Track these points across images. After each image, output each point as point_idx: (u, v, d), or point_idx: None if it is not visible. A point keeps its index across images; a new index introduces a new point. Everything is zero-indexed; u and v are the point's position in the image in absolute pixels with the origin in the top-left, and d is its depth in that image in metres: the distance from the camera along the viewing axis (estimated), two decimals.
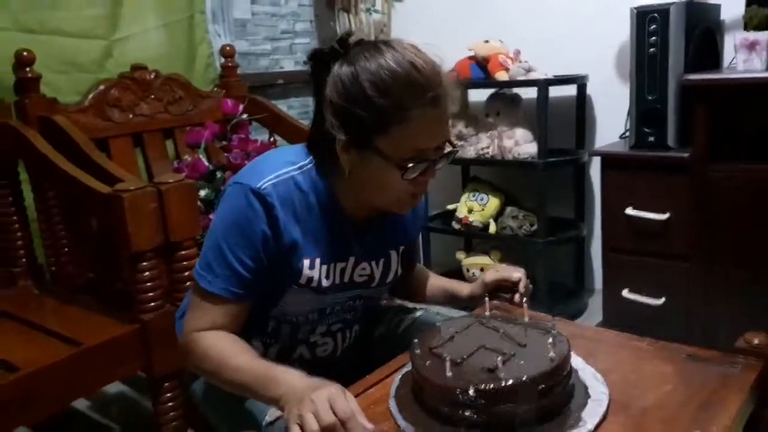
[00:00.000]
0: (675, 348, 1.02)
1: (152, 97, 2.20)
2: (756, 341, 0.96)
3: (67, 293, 1.78)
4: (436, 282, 1.27)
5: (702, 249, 1.75)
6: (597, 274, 2.48)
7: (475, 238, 2.59)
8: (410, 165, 0.91)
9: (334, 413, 0.78)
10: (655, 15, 1.74)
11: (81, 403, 1.86)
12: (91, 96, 2.04)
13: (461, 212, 2.43)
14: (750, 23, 1.71)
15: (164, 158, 2.25)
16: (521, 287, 1.13)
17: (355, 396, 0.91)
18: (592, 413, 0.83)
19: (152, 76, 2.21)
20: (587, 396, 0.87)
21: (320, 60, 0.96)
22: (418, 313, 1.22)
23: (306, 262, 1.00)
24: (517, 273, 1.14)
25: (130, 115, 2.15)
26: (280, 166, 0.99)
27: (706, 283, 1.76)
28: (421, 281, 1.28)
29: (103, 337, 1.46)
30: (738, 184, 1.67)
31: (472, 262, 2.40)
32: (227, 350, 0.95)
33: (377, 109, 0.89)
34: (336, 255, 1.03)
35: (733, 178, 1.68)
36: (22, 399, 1.30)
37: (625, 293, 1.90)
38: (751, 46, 1.68)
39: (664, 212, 1.78)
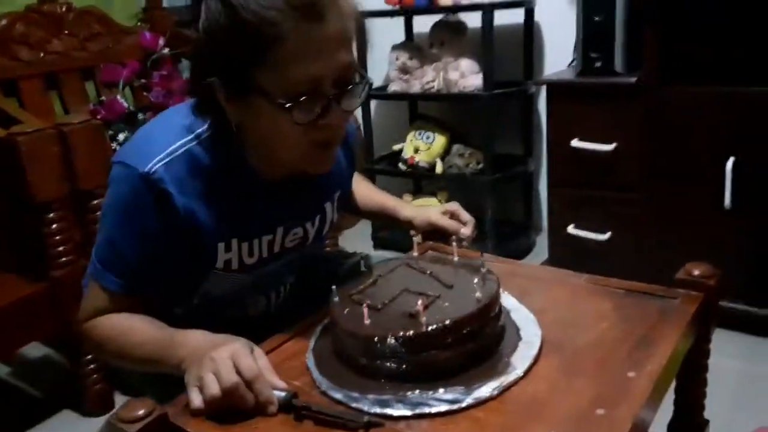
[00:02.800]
0: (614, 283, 0.96)
1: (66, 32, 2.02)
2: (696, 272, 0.91)
3: None
4: (373, 195, 1.16)
5: (648, 180, 1.70)
6: (545, 211, 2.43)
7: (422, 179, 2.51)
8: (300, 101, 0.73)
9: (239, 372, 0.69)
10: None
11: (1, 370, 1.74)
12: None
13: (407, 152, 2.33)
14: None
15: (84, 102, 2.07)
16: (465, 242, 1.04)
17: (270, 351, 0.83)
18: (522, 357, 0.77)
19: (64, 9, 2.01)
20: (519, 338, 0.81)
21: None
22: (358, 257, 1.11)
23: (221, 246, 0.85)
24: (465, 230, 1.05)
25: (41, 54, 1.96)
26: (172, 139, 0.81)
27: (654, 214, 1.72)
28: (356, 192, 1.15)
29: (11, 297, 1.35)
30: (689, 109, 1.60)
31: (420, 203, 2.32)
32: (125, 327, 0.84)
33: (242, 32, 0.71)
34: (259, 230, 0.88)
35: (683, 102, 1.61)
36: None
37: (570, 229, 1.85)
38: None
39: (611, 142, 1.72)
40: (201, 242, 0.84)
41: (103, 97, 1.85)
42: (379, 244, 2.45)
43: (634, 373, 0.72)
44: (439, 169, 2.26)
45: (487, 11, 1.98)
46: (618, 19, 1.65)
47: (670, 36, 1.62)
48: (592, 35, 1.68)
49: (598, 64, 1.68)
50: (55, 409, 1.55)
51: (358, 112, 2.51)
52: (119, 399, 1.57)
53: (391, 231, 2.32)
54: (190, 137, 0.82)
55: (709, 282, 0.89)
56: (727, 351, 1.56)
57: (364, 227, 2.40)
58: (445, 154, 2.28)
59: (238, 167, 0.85)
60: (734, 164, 1.53)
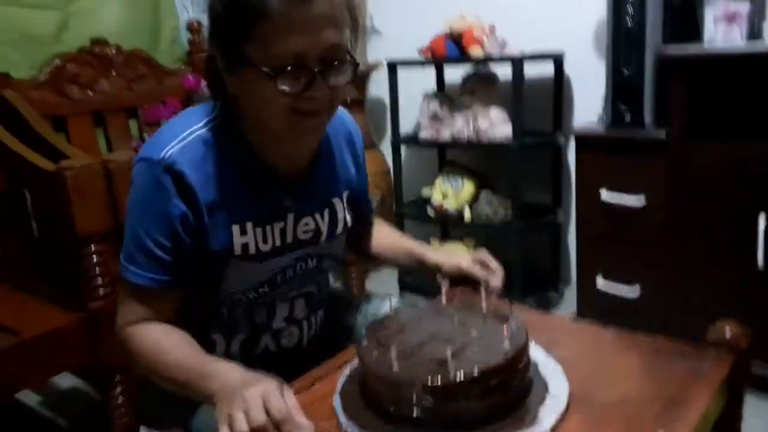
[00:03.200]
0: (642, 340, 0.96)
1: (114, 73, 2.12)
2: (729, 333, 0.90)
3: (12, 279, 1.69)
4: (400, 242, 1.19)
5: (677, 236, 1.70)
6: (574, 263, 2.43)
7: (450, 226, 2.53)
8: (283, 71, 0.80)
9: (268, 413, 0.71)
10: None
11: (32, 399, 1.78)
12: (46, 71, 1.96)
13: (436, 198, 2.36)
14: None
15: (128, 139, 2.16)
16: (494, 290, 1.06)
17: (299, 391, 0.85)
18: (550, 410, 0.77)
19: (114, 51, 2.12)
20: (546, 391, 0.81)
21: None
22: (393, 302, 1.13)
23: (235, 229, 0.90)
24: (494, 280, 1.07)
25: (90, 92, 2.06)
26: (183, 129, 0.89)
27: (682, 270, 1.71)
28: (383, 240, 1.20)
29: (47, 327, 1.40)
30: (717, 166, 1.61)
31: (448, 248, 2.34)
32: (161, 345, 0.88)
33: (234, 9, 0.81)
34: (270, 215, 0.93)
35: (712, 158, 1.62)
36: None
37: (599, 281, 1.84)
38: (731, 18, 1.62)
39: (639, 195, 1.72)
40: (217, 225, 0.89)
41: (146, 135, 1.92)
42: (405, 287, 2.46)
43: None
44: (467, 215, 2.29)
45: (517, 63, 2.04)
46: (647, 73, 1.69)
47: (698, 92, 1.64)
48: (622, 88, 1.72)
49: (627, 117, 1.71)
50: None
51: (389, 158, 2.57)
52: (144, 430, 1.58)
53: (417, 275, 2.34)
54: (199, 125, 0.90)
55: (741, 343, 0.88)
56: (758, 414, 1.52)
57: (390, 270, 2.42)
58: (473, 201, 2.30)
59: (245, 151, 0.91)
60: (767, 220, 1.52)
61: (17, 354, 1.32)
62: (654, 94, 1.70)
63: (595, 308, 1.88)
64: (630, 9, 1.65)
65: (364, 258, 1.23)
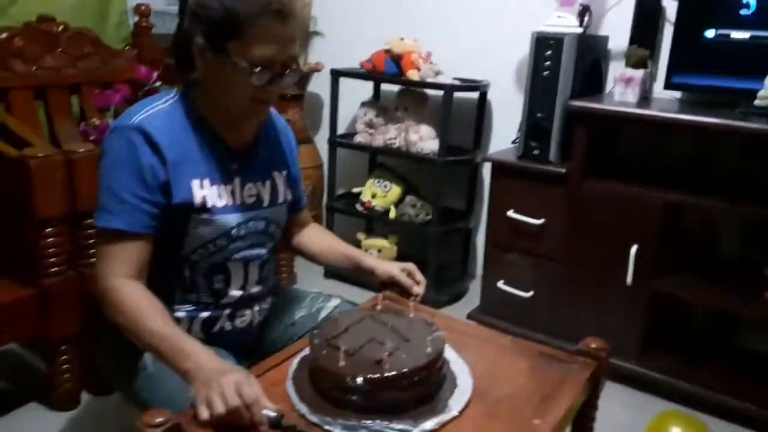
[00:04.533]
0: (531, 346, 1.21)
1: (59, 50, 2.13)
2: (593, 345, 1.17)
3: None
4: (339, 247, 1.40)
5: (568, 253, 2.00)
6: (479, 261, 2.72)
7: (375, 222, 2.75)
8: (257, 70, 1.03)
9: (240, 397, 0.88)
10: (552, 42, 1.93)
11: None
12: None
13: (365, 196, 2.57)
14: (629, 60, 1.95)
15: (68, 116, 2.18)
16: (417, 298, 1.29)
17: (257, 376, 1.03)
18: (458, 400, 0.99)
19: (60, 29, 2.13)
20: (455, 385, 1.04)
21: None
22: (336, 302, 1.35)
23: (195, 182, 1.09)
24: (418, 288, 1.30)
25: (34, 68, 2.07)
26: (147, 105, 1.10)
27: (568, 282, 2.02)
28: (323, 243, 1.41)
29: (2, 300, 1.47)
30: (605, 202, 1.91)
31: (371, 243, 2.56)
32: (142, 310, 1.02)
33: (230, 11, 1.01)
34: (221, 177, 1.14)
35: (601, 195, 1.92)
36: None
37: (500, 284, 2.13)
38: (628, 81, 1.92)
39: (540, 218, 2.02)
40: (180, 177, 1.08)
41: (95, 120, 1.97)
42: (329, 274, 2.66)
43: (539, 420, 0.96)
44: (392, 215, 2.52)
45: (448, 91, 2.27)
46: (556, 118, 1.96)
47: (596, 139, 1.94)
48: (534, 128, 1.99)
49: (536, 152, 1.99)
50: (23, 402, 1.66)
51: (324, 155, 2.75)
52: (85, 396, 1.69)
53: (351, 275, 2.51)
54: (160, 102, 1.12)
55: (601, 354, 1.15)
56: (617, 402, 1.86)
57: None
58: (398, 203, 2.53)
59: (199, 123, 1.12)
60: (637, 250, 1.85)
61: None
62: (560, 136, 1.98)
63: (496, 304, 2.17)
64: (547, 62, 1.92)
65: (293, 248, 1.44)
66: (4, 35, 1.98)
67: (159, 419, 0.86)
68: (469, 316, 2.24)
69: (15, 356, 1.88)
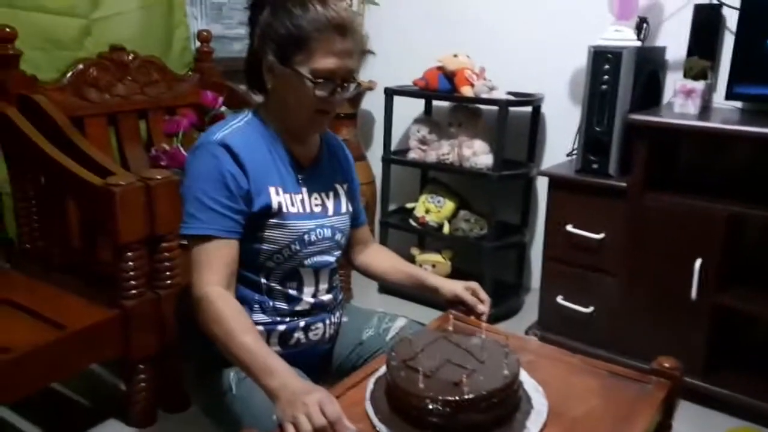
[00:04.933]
0: (601, 365, 1.21)
1: (129, 78, 2.25)
2: (666, 365, 1.17)
3: (39, 271, 1.84)
4: (402, 267, 1.45)
5: (629, 268, 1.98)
6: (534, 274, 2.71)
7: (429, 237, 2.77)
8: (319, 81, 1.13)
9: (324, 416, 0.92)
10: (610, 56, 1.93)
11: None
12: (69, 75, 2.07)
13: (419, 212, 2.60)
14: (689, 72, 1.93)
15: (137, 139, 2.30)
16: (483, 316, 1.32)
17: (336, 397, 1.06)
18: (534, 422, 1.01)
19: (130, 58, 2.24)
20: (530, 406, 1.05)
21: (257, 3, 1.20)
22: (402, 323, 1.39)
23: (272, 190, 1.19)
24: (482, 307, 1.33)
25: (107, 96, 2.19)
26: (226, 124, 1.20)
27: (629, 297, 2.00)
28: (386, 263, 1.47)
29: (87, 322, 1.56)
30: (667, 215, 1.89)
31: (426, 258, 2.59)
32: (235, 323, 1.07)
33: (296, 27, 1.12)
34: (292, 187, 1.23)
35: (663, 209, 1.90)
36: (8, 379, 1.39)
37: (559, 299, 2.13)
38: (688, 93, 1.90)
39: (599, 232, 2.01)
40: (259, 186, 1.17)
41: (164, 145, 2.07)
42: (383, 289, 2.71)
43: None
44: (446, 230, 2.54)
45: (503, 107, 2.29)
46: (615, 131, 1.95)
47: (656, 152, 1.93)
48: (593, 142, 1.99)
49: (595, 166, 1.99)
50: (102, 418, 1.74)
51: (377, 171, 2.80)
52: (160, 413, 1.77)
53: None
54: (237, 121, 1.22)
55: (675, 373, 1.15)
56: (682, 419, 1.83)
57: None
58: (451, 218, 2.56)
59: (271, 138, 1.22)
60: (702, 264, 1.83)
61: (63, 346, 1.49)
62: (619, 149, 1.98)
63: (554, 320, 2.16)
64: (606, 76, 1.92)
65: (357, 267, 1.49)
66: (80, 66, 2.10)
67: None
68: (528, 332, 2.25)
69: (93, 375, 1.97)
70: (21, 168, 1.87)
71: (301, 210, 1.23)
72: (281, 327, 1.25)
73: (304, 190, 1.25)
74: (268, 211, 1.18)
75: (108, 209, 1.53)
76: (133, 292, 1.62)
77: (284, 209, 1.20)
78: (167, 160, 1.96)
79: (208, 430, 1.49)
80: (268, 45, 1.15)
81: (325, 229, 1.27)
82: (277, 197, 1.20)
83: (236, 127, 1.19)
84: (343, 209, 1.33)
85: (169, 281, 1.67)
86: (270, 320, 1.24)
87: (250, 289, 1.22)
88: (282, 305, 1.25)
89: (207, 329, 1.10)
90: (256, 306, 1.23)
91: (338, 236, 1.31)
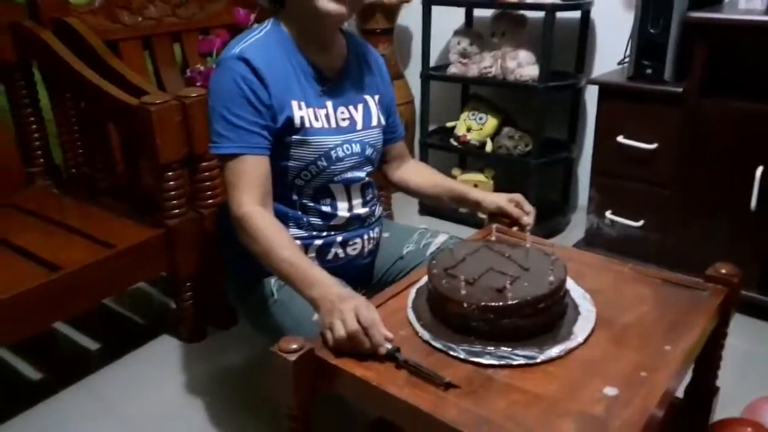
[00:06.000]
0: (653, 273, 1.17)
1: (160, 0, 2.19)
2: (723, 270, 1.11)
3: (86, 194, 1.88)
4: (441, 181, 1.42)
5: (683, 179, 1.88)
6: (582, 192, 2.63)
7: (470, 156, 2.70)
8: None
9: (359, 322, 0.91)
10: None
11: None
12: None
13: (460, 130, 2.52)
14: None
15: (172, 63, 2.27)
16: (527, 227, 1.27)
17: (378, 306, 1.06)
18: (581, 328, 0.99)
19: None
20: (577, 313, 1.03)
21: None
22: (444, 238, 1.36)
23: (294, 104, 1.15)
24: (527, 218, 1.29)
25: (139, 18, 2.15)
26: (245, 37, 1.16)
27: (683, 209, 1.91)
28: (424, 177, 1.43)
29: (134, 240, 1.59)
30: (726, 121, 1.77)
31: (467, 178, 2.52)
32: (276, 239, 1.07)
33: None
34: (315, 101, 1.19)
35: (722, 114, 1.77)
36: (62, 296, 1.44)
37: (608, 214, 2.05)
38: None
39: (652, 142, 1.90)
40: (282, 99, 1.13)
41: (199, 66, 2.04)
42: (424, 210, 2.67)
43: (670, 347, 0.94)
44: (488, 148, 2.45)
45: (549, 11, 2.13)
46: (672, 33, 1.81)
47: (716, 54, 1.78)
48: (647, 45, 1.84)
49: (648, 71, 1.86)
50: (155, 335, 1.81)
51: (416, 90, 2.70)
52: (211, 330, 1.83)
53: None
54: (256, 32, 1.17)
55: (734, 279, 1.10)
56: (736, 331, 1.78)
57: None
58: (494, 135, 2.46)
59: (292, 48, 1.18)
60: (763, 172, 1.72)
61: (111, 263, 1.53)
62: (675, 52, 1.83)
63: (601, 236, 2.10)
64: None
65: (394, 183, 1.45)
66: None
67: (294, 345, 0.91)
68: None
69: (144, 294, 2.05)
70: (60, 93, 1.88)
71: (326, 125, 1.19)
72: (318, 242, 1.24)
73: (329, 103, 1.21)
74: (290, 127, 1.15)
75: (146, 129, 1.52)
76: (176, 211, 1.63)
77: (307, 124, 1.16)
78: (202, 80, 1.93)
79: (255, 342, 1.53)
80: None
81: (354, 144, 1.23)
82: (300, 112, 1.16)
83: (255, 39, 1.15)
84: (374, 122, 1.28)
85: (210, 200, 1.67)
86: (306, 234, 1.23)
87: (284, 205, 1.21)
88: (317, 221, 1.23)
89: (248, 247, 1.10)
90: (291, 222, 1.22)
91: (369, 151, 1.27)
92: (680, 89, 1.81)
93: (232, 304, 1.35)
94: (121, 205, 1.77)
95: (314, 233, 1.23)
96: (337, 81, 1.23)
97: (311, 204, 1.22)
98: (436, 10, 2.48)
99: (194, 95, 1.57)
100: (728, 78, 1.86)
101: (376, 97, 1.30)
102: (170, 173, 1.58)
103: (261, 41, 1.15)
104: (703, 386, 1.18)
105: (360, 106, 1.26)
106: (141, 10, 2.14)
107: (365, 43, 1.35)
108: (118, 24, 2.09)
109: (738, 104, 1.76)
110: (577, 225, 2.48)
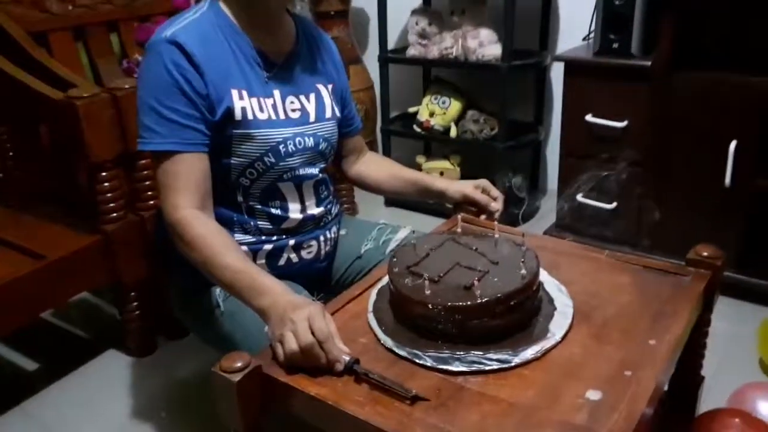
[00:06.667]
0: (632, 259, 1.09)
1: None
2: (705, 253, 1.03)
3: (16, 201, 1.73)
4: (402, 173, 1.31)
5: (655, 156, 1.82)
6: (551, 175, 2.55)
7: (435, 142, 2.60)
8: None
9: (313, 333, 0.81)
10: None
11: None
12: None
13: (423, 115, 2.42)
14: None
15: (110, 54, 2.12)
16: (496, 213, 1.18)
17: (334, 311, 0.96)
18: (558, 325, 0.90)
19: None
20: (553, 308, 0.94)
21: None
22: (404, 233, 1.26)
23: (234, 93, 1.03)
24: (495, 204, 1.20)
25: (70, 6, 2.00)
26: (180, 19, 1.04)
27: (656, 189, 1.84)
28: (383, 170, 1.32)
29: (67, 250, 1.46)
30: (697, 94, 1.71)
31: (433, 166, 2.43)
32: (216, 245, 0.96)
33: None
34: (260, 89, 1.07)
35: (692, 87, 1.71)
36: None
37: (579, 197, 1.97)
38: None
39: (622, 120, 1.83)
40: (219, 88, 1.01)
41: (137, 56, 1.89)
42: (390, 202, 2.57)
43: (655, 341, 0.86)
44: (453, 133, 2.36)
45: None
46: (638, 4, 1.73)
47: (684, 25, 1.71)
48: (612, 18, 1.77)
49: (615, 45, 1.78)
50: (101, 350, 1.68)
51: (375, 75, 2.58)
52: (161, 341, 1.70)
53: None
54: (190, 14, 1.05)
55: (716, 262, 1.02)
56: (717, 314, 1.72)
57: None
58: (459, 119, 2.37)
59: (232, 31, 1.05)
60: (736, 146, 1.65)
61: (44, 276, 1.39)
62: (642, 24, 1.76)
63: (573, 220, 2.02)
64: None
65: (352, 178, 1.35)
66: None
67: (238, 363, 0.80)
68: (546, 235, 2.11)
69: (89, 305, 1.91)
70: None
71: (273, 116, 1.07)
72: (268, 246, 1.12)
73: (276, 92, 1.08)
74: (231, 120, 1.02)
75: (73, 125, 1.38)
76: (114, 215, 1.50)
77: (249, 116, 1.04)
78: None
79: (210, 352, 1.41)
80: None
81: (307, 138, 1.11)
82: (241, 102, 1.03)
83: (189, 21, 1.02)
84: (328, 113, 1.16)
85: (151, 201, 1.54)
86: (254, 240, 1.11)
87: (228, 209, 1.08)
88: (266, 224, 1.11)
89: (186, 255, 0.98)
90: (237, 227, 1.10)
91: (323, 146, 1.15)
92: (648, 63, 1.74)
93: (177, 316, 1.23)
94: (57, 211, 1.62)
95: (263, 237, 1.12)
96: (285, 67, 1.11)
97: (259, 206, 1.10)
98: None
99: (127, 87, 1.44)
100: (697, 50, 1.79)
101: (330, 86, 1.18)
102: (104, 174, 1.45)
103: (196, 23, 1.02)
104: (688, 377, 1.11)
105: (312, 96, 1.14)
106: None
107: (316, 27, 1.23)
108: (45, 13, 1.94)
109: (708, 76, 1.69)
110: (549, 209, 2.41)
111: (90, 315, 1.88)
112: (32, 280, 1.37)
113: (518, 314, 0.88)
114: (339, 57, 1.24)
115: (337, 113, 1.19)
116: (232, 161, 1.05)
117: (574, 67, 1.88)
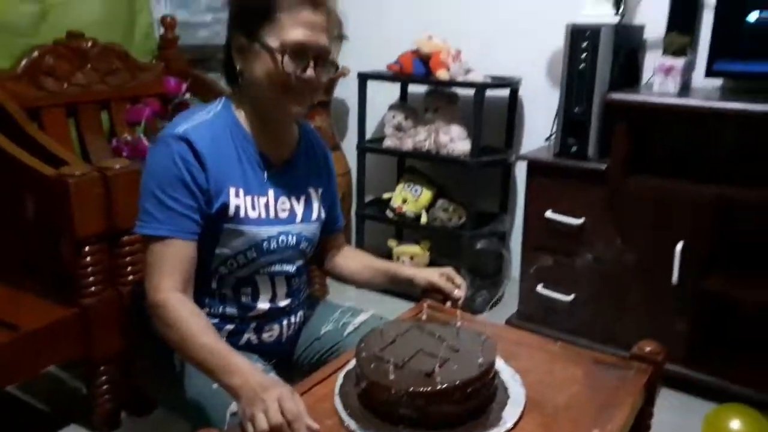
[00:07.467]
0: (582, 352, 1.16)
1: (89, 66, 2.14)
2: (647, 349, 1.12)
3: None
4: (373, 264, 1.38)
5: (610, 253, 1.94)
6: (515, 263, 2.66)
7: (406, 227, 2.71)
8: (288, 54, 1.06)
9: (283, 414, 0.86)
10: (588, 33, 1.88)
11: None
12: (24, 62, 1.97)
13: (396, 202, 2.54)
14: (669, 48, 1.88)
15: (99, 132, 2.19)
16: (459, 302, 1.26)
17: (302, 393, 1.00)
18: (511, 413, 0.96)
19: (89, 45, 2.14)
20: (507, 396, 1.00)
21: None
22: (365, 317, 1.32)
23: (232, 190, 1.10)
24: (458, 292, 1.27)
25: (65, 85, 2.09)
26: (193, 117, 1.11)
27: (611, 283, 1.95)
28: (356, 262, 1.39)
29: (42, 322, 1.47)
30: (647, 198, 1.85)
31: (403, 250, 2.52)
32: (191, 325, 1.01)
33: (259, 3, 1.06)
34: (256, 188, 1.14)
35: (643, 191, 1.86)
36: None
37: (539, 288, 2.08)
38: (668, 70, 1.85)
39: (579, 217, 1.96)
40: (219, 186, 1.08)
41: (126, 135, 1.98)
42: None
43: (599, 430, 0.92)
44: (423, 220, 2.48)
45: (479, 89, 2.22)
46: (594, 112, 1.91)
47: (636, 132, 1.88)
48: (571, 123, 1.94)
49: (573, 149, 1.94)
50: (63, 424, 1.65)
51: (353, 162, 2.72)
52: (125, 417, 1.68)
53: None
54: (203, 113, 1.12)
55: (658, 358, 1.10)
56: (663, 406, 1.79)
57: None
58: (429, 207, 2.49)
59: (239, 133, 1.13)
60: (683, 247, 1.79)
61: (16, 347, 1.40)
62: (598, 131, 1.93)
63: (535, 309, 2.11)
64: (584, 54, 1.87)
65: (327, 270, 1.42)
66: (35, 54, 2.00)
67: None
68: (508, 323, 2.19)
69: (53, 378, 1.88)
70: None
71: (263, 215, 1.14)
72: (230, 326, 1.18)
73: (271, 192, 1.16)
74: (224, 215, 1.10)
75: (63, 202, 1.44)
76: (92, 289, 1.53)
77: (242, 214, 1.11)
78: (129, 151, 1.87)
79: (175, 430, 1.42)
80: (235, 22, 1.10)
81: (290, 237, 1.19)
82: (236, 199, 1.10)
83: (202, 120, 1.10)
84: (314, 216, 1.24)
85: (131, 277, 1.58)
86: (217, 321, 1.16)
87: (201, 293, 1.14)
88: (233, 311, 1.17)
89: (163, 334, 1.04)
90: (205, 309, 1.15)
91: (304, 245, 1.23)
92: (603, 167, 1.89)
93: (147, 388, 1.25)
94: (35, 282, 1.64)
95: (226, 320, 1.17)
96: (283, 170, 1.19)
97: (230, 294, 1.16)
98: (372, 85, 2.54)
99: (117, 167, 1.51)
100: (648, 156, 1.96)
101: (320, 190, 1.26)
102: (87, 248, 1.49)
103: (208, 123, 1.10)
104: None
105: (302, 198, 1.22)
106: (67, 77, 2.08)
107: (317, 136, 1.33)
108: (42, 91, 2.02)
109: (657, 182, 1.85)
110: (513, 297, 2.48)
111: (53, 388, 1.85)
112: (4, 351, 1.38)
113: (474, 401, 0.94)
114: (332, 164, 1.34)
115: (322, 216, 1.27)
116: (216, 251, 1.12)
117: (535, 167, 2.03)
